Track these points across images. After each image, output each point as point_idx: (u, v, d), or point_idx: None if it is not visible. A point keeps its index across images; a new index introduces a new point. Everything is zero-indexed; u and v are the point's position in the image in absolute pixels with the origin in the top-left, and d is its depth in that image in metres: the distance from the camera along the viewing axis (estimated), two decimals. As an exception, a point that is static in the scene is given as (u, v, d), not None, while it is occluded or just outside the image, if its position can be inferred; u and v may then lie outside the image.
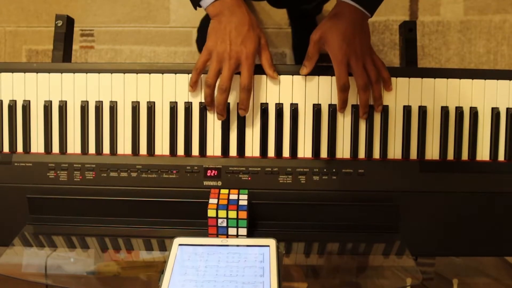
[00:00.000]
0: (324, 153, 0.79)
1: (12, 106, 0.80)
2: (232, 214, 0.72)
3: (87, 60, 1.40)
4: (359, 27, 0.76)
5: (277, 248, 0.67)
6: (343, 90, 0.76)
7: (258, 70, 0.79)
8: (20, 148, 0.81)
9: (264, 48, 0.78)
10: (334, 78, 0.77)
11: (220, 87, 0.75)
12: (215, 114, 0.78)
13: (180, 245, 0.68)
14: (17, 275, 0.69)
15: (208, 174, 0.78)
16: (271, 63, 0.78)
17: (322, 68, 0.79)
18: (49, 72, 0.80)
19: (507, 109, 0.80)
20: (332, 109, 0.79)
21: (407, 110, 0.80)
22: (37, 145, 0.80)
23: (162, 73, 0.80)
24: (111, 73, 0.80)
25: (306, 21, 1.35)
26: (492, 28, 1.36)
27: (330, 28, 0.76)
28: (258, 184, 0.77)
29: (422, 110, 0.79)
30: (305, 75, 0.79)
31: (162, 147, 0.80)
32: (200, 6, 0.78)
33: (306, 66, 0.78)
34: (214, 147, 0.80)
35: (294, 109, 0.79)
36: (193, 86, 0.78)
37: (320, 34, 0.76)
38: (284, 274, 0.68)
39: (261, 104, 0.79)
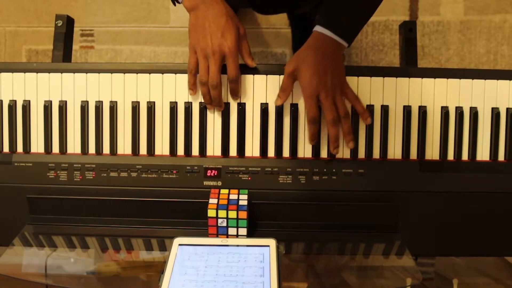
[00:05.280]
0: (324, 153, 0.79)
1: (12, 106, 0.80)
2: (232, 214, 0.72)
3: (87, 60, 1.40)
4: (333, 60, 0.77)
5: (277, 248, 0.67)
6: (312, 122, 0.77)
7: (258, 70, 0.79)
8: (20, 148, 0.81)
9: (243, 38, 0.78)
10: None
11: (211, 84, 0.75)
12: (215, 110, 0.79)
13: (180, 245, 0.68)
14: (17, 275, 0.69)
15: (208, 174, 0.78)
16: (249, 53, 0.79)
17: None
18: (49, 72, 0.80)
19: (507, 109, 0.80)
20: (332, 109, 0.79)
21: (407, 110, 0.80)
22: (37, 145, 0.80)
23: (162, 73, 0.80)
24: (111, 73, 0.80)
25: (306, 22, 1.35)
26: (492, 28, 1.36)
27: (303, 60, 0.76)
28: (258, 184, 0.77)
29: (422, 110, 0.79)
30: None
31: (162, 147, 0.80)
32: (179, 3, 0.79)
33: (281, 97, 0.78)
34: (214, 147, 0.80)
35: (294, 109, 0.79)
36: (193, 88, 0.78)
37: (294, 67, 0.76)
38: (284, 274, 0.68)
39: (261, 104, 0.79)
